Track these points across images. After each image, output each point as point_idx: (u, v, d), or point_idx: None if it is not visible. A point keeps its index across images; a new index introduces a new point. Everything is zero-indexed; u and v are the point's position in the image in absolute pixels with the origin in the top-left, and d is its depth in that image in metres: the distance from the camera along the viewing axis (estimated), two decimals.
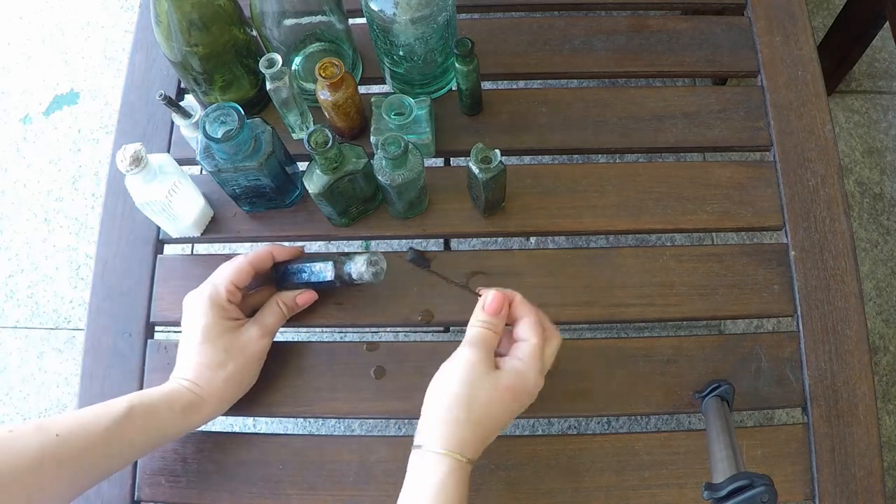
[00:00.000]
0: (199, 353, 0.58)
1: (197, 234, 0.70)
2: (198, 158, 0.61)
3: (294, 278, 0.64)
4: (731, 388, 0.59)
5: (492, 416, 0.51)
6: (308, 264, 0.63)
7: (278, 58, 0.61)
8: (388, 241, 1.13)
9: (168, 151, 0.74)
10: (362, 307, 0.67)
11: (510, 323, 0.56)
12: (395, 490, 0.61)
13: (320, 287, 0.64)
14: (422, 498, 0.49)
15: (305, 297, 0.64)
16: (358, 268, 0.60)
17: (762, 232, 0.72)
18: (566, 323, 0.66)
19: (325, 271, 0.62)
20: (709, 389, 0.59)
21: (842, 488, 0.60)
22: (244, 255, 0.62)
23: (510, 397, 0.52)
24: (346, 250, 1.15)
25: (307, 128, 0.70)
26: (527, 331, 0.54)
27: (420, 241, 0.71)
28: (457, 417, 0.50)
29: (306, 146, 0.58)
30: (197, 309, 0.60)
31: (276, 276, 0.65)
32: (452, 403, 0.51)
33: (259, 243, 0.71)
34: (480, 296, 0.56)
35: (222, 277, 0.60)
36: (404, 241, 0.70)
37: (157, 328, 0.69)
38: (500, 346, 0.56)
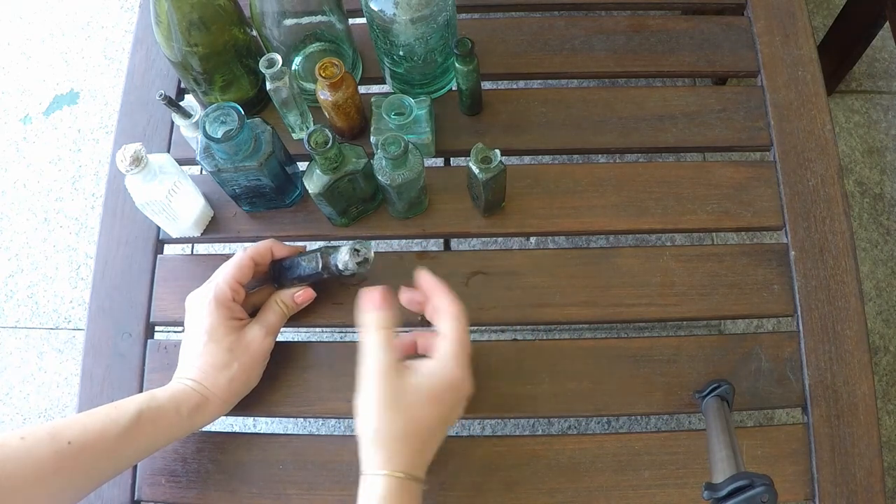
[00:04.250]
0: (204, 353, 0.58)
1: (197, 234, 0.70)
2: (198, 158, 0.61)
3: (287, 273, 0.63)
4: (731, 388, 0.59)
5: (420, 427, 0.50)
6: (298, 258, 0.63)
7: (278, 58, 0.61)
8: (388, 241, 1.13)
9: (168, 151, 0.74)
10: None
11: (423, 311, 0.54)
12: None
13: (312, 280, 0.63)
14: None
15: (304, 296, 0.64)
16: (343, 258, 0.59)
17: (762, 232, 0.72)
18: (566, 323, 0.66)
19: (312, 263, 0.61)
20: (709, 389, 0.59)
21: (842, 488, 0.60)
22: (245, 251, 0.62)
23: (433, 402, 0.50)
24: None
25: (307, 128, 0.70)
26: (443, 323, 0.52)
27: (420, 240, 0.71)
28: (382, 437, 0.49)
29: (306, 146, 0.58)
30: (201, 309, 0.59)
31: (272, 275, 0.64)
32: (373, 423, 0.49)
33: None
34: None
35: (225, 275, 0.60)
36: (404, 241, 0.70)
37: (157, 328, 0.69)
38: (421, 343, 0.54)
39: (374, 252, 0.61)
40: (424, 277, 0.56)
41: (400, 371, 0.51)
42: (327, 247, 0.61)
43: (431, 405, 0.50)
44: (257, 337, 0.60)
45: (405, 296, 0.58)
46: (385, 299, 0.53)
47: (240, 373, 0.59)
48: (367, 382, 0.51)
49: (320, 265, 0.61)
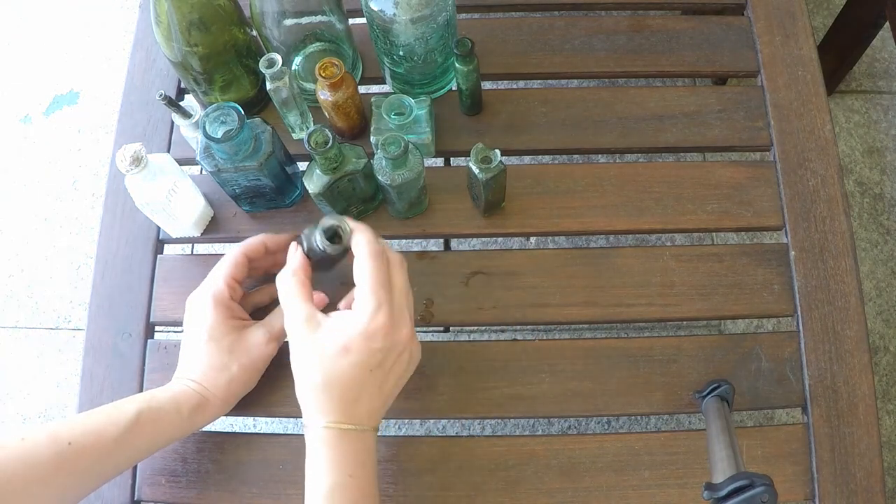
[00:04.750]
0: (203, 353, 0.58)
1: (197, 234, 0.70)
2: (198, 158, 0.61)
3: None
4: (731, 388, 0.59)
5: (340, 377, 0.51)
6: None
7: (278, 58, 0.61)
8: (388, 241, 1.13)
9: (168, 151, 0.74)
10: None
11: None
12: (396, 489, 0.61)
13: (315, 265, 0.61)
14: (308, 473, 0.51)
15: (316, 300, 0.62)
16: (317, 239, 0.56)
17: (762, 232, 0.72)
18: (566, 323, 0.66)
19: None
20: (709, 389, 0.59)
21: (842, 488, 0.60)
22: (237, 246, 0.61)
23: (346, 352, 0.51)
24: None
25: (307, 128, 0.70)
26: (356, 274, 0.53)
27: (420, 240, 0.71)
28: (304, 391, 0.52)
29: (306, 146, 0.58)
30: (201, 308, 0.59)
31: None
32: (297, 377, 0.52)
33: None
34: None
35: (221, 273, 0.60)
36: (404, 241, 0.70)
37: (157, 328, 0.69)
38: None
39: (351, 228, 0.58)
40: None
41: (315, 323, 0.52)
42: (309, 229, 0.59)
43: (345, 355, 0.51)
44: (260, 341, 0.59)
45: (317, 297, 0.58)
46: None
47: (239, 374, 0.58)
48: (292, 340, 0.53)
49: (306, 249, 0.58)
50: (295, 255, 0.56)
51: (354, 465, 0.51)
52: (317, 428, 0.51)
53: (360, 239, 0.54)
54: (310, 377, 0.52)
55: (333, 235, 0.56)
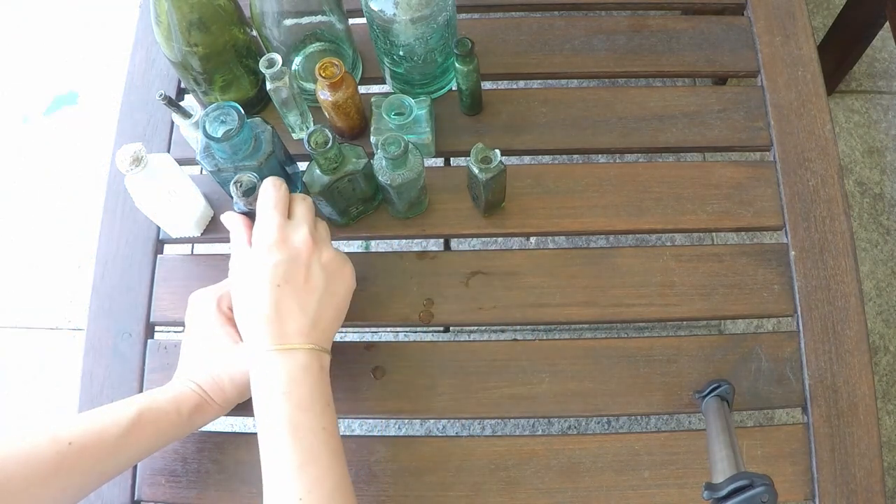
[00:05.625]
0: (203, 354, 0.58)
1: (197, 234, 0.70)
2: (198, 158, 0.61)
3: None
4: (731, 388, 0.59)
5: (253, 300, 0.53)
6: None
7: (278, 58, 0.61)
8: (388, 241, 1.13)
9: (168, 151, 0.74)
10: (361, 307, 0.67)
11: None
12: (396, 489, 0.61)
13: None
14: (253, 400, 0.53)
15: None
16: (235, 195, 0.59)
17: (762, 232, 0.72)
18: (566, 323, 0.66)
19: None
20: (709, 389, 0.59)
21: (842, 488, 0.60)
22: None
23: (249, 274, 0.54)
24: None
25: (307, 128, 0.70)
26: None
27: (420, 240, 0.71)
28: (240, 324, 0.55)
29: (306, 146, 0.58)
30: (203, 307, 0.60)
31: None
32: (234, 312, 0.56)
33: None
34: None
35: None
36: (404, 241, 0.70)
37: (157, 328, 0.69)
38: None
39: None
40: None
41: (242, 259, 0.56)
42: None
43: (249, 277, 0.54)
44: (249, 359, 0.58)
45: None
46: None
47: (231, 387, 0.58)
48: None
49: (246, 206, 0.60)
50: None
51: (288, 383, 0.51)
52: (253, 356, 0.53)
53: (264, 182, 0.58)
54: (236, 310, 0.55)
55: (248, 190, 0.58)
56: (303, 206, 0.58)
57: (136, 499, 0.62)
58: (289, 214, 0.57)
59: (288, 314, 0.53)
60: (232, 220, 0.59)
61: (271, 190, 0.57)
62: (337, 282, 0.57)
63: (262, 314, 0.53)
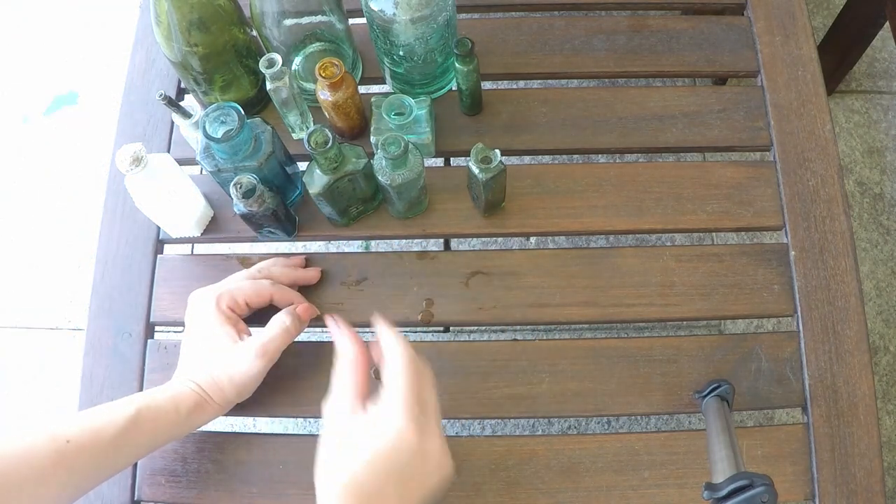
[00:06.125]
0: (202, 354, 0.58)
1: (197, 234, 0.70)
2: (198, 158, 0.61)
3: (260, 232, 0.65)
4: (731, 388, 0.59)
5: (364, 484, 0.45)
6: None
7: (278, 58, 0.61)
8: (388, 241, 1.13)
9: (168, 151, 0.74)
10: (362, 307, 0.67)
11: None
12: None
13: (268, 221, 0.63)
14: None
15: (303, 311, 0.62)
16: (236, 197, 0.59)
17: (762, 232, 0.72)
18: (566, 323, 0.66)
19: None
20: (709, 389, 0.59)
21: (842, 488, 0.60)
22: (270, 285, 0.62)
23: (372, 460, 0.45)
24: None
25: (307, 128, 0.70)
26: (389, 382, 0.48)
27: (420, 240, 0.71)
28: (328, 484, 0.46)
29: (306, 146, 0.58)
30: (202, 309, 0.59)
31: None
32: (322, 465, 0.47)
33: (259, 243, 0.71)
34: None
35: (240, 292, 0.60)
36: (404, 241, 0.70)
37: (157, 328, 0.69)
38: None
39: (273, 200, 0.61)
40: (380, 329, 0.51)
41: (354, 420, 0.48)
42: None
43: (371, 463, 0.46)
44: (250, 356, 0.58)
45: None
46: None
47: (230, 387, 0.58)
48: (324, 420, 0.49)
49: (246, 208, 0.60)
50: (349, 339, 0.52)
51: None
52: None
53: (395, 347, 0.49)
54: (334, 473, 0.46)
55: (248, 192, 0.57)
56: (435, 396, 0.49)
57: (135, 499, 0.62)
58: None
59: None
60: (344, 366, 0.50)
61: (415, 376, 0.48)
62: (442, 483, 0.48)
63: (359, 499, 0.45)
